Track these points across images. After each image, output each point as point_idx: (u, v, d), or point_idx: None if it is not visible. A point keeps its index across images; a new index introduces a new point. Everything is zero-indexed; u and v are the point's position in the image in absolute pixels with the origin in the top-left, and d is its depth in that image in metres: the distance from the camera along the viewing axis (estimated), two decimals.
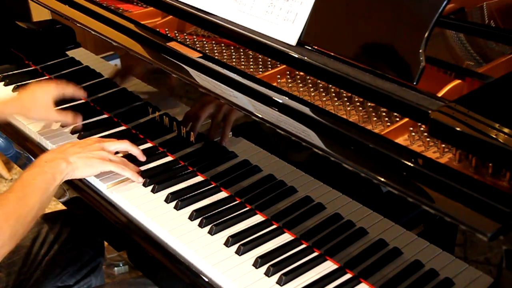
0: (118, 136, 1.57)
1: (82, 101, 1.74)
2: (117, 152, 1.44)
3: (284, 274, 1.14)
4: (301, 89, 1.30)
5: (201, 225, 1.27)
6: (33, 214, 1.21)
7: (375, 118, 1.18)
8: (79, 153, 1.33)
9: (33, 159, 1.62)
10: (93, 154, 1.35)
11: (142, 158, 1.44)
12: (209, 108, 1.37)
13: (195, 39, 1.50)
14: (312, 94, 1.28)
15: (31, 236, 1.58)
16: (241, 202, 1.34)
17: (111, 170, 1.37)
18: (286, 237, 1.25)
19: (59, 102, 1.61)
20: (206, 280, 1.17)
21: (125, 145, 1.42)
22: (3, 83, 1.84)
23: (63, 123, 1.61)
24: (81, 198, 1.44)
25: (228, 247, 1.22)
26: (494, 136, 0.93)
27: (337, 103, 1.24)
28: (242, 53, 1.43)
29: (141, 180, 1.39)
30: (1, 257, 1.15)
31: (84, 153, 1.34)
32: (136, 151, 1.43)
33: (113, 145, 1.41)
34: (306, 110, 1.20)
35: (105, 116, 1.68)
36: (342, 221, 1.19)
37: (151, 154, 1.49)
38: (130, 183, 1.40)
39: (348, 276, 1.15)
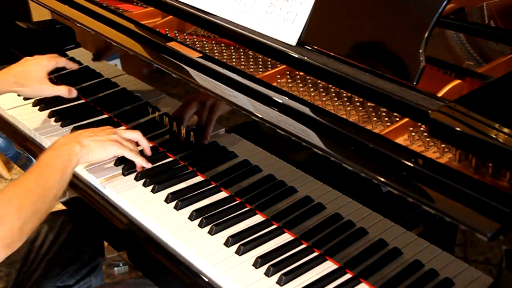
0: None
1: (82, 101, 1.75)
2: None
3: (284, 274, 1.14)
4: (301, 89, 1.30)
5: (201, 225, 1.27)
6: (53, 193, 1.23)
7: (375, 118, 1.18)
8: (92, 136, 1.36)
9: (33, 159, 1.62)
10: (106, 137, 1.38)
11: (148, 152, 1.46)
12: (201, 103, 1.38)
13: (195, 39, 1.50)
14: (312, 94, 1.28)
15: (31, 236, 1.57)
16: (241, 202, 1.34)
17: (122, 158, 1.42)
18: (286, 237, 1.25)
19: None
20: (206, 280, 1.17)
21: (137, 135, 1.45)
22: None
23: (58, 94, 1.60)
24: (81, 198, 1.44)
25: (228, 247, 1.22)
26: (494, 136, 0.93)
27: (337, 103, 1.23)
28: (242, 53, 1.43)
29: (150, 165, 1.43)
30: (29, 233, 1.18)
31: (98, 136, 1.37)
32: (145, 143, 1.46)
33: (125, 132, 1.44)
34: (306, 110, 1.20)
35: (105, 116, 1.68)
36: (342, 221, 1.19)
37: (151, 155, 1.49)
38: (130, 182, 1.40)
39: (348, 276, 1.15)
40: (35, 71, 1.56)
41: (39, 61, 1.58)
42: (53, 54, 1.64)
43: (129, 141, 1.42)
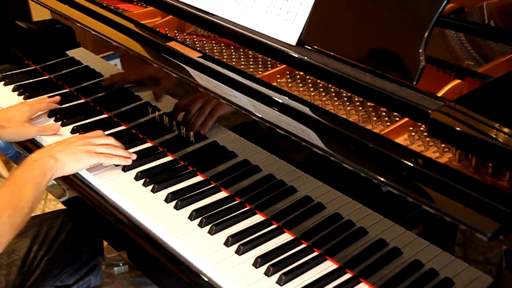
0: (118, 136, 1.57)
1: (82, 101, 1.75)
2: None
3: (284, 274, 1.14)
4: (301, 89, 1.30)
5: (201, 224, 1.27)
6: (29, 206, 1.23)
7: (375, 118, 1.18)
8: (65, 150, 1.37)
9: None
10: (79, 148, 1.38)
11: (124, 161, 1.44)
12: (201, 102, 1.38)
13: (195, 39, 1.50)
14: (312, 94, 1.27)
15: (31, 235, 1.58)
16: (241, 202, 1.34)
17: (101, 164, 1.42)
18: (286, 237, 1.25)
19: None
20: (206, 280, 1.17)
21: (110, 141, 1.45)
22: (3, 83, 1.84)
23: (39, 135, 1.60)
24: (81, 197, 1.44)
25: (228, 247, 1.22)
26: (494, 136, 0.93)
27: (337, 103, 1.23)
28: (242, 53, 1.43)
29: (130, 161, 1.43)
30: (5, 244, 1.18)
31: (70, 149, 1.37)
32: (120, 149, 1.46)
33: (98, 139, 1.44)
34: (306, 110, 1.20)
35: (105, 116, 1.68)
36: (342, 221, 1.19)
37: (151, 154, 1.49)
38: (130, 182, 1.40)
39: (348, 276, 1.15)
40: (17, 115, 1.58)
41: (21, 107, 1.61)
42: (37, 99, 1.68)
43: (104, 146, 1.42)
